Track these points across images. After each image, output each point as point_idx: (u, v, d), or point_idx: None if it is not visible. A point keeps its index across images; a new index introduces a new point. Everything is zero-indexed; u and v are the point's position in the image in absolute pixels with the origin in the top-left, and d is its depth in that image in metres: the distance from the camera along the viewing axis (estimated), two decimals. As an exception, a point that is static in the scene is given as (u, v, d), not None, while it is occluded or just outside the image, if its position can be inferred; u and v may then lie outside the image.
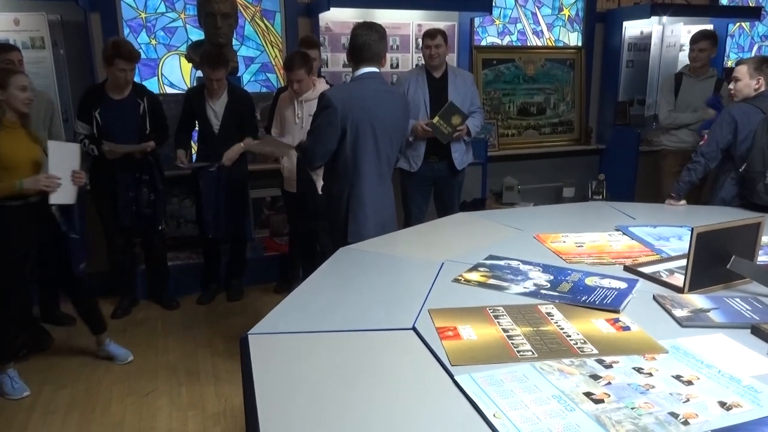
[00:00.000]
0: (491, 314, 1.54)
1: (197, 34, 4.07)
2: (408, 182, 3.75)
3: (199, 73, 3.68)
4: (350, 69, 4.37)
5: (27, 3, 3.67)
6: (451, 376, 1.25)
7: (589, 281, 1.77)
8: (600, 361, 1.29)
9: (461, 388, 1.19)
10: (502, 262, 1.95)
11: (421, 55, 4.01)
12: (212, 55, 3.51)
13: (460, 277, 1.83)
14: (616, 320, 1.51)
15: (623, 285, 1.73)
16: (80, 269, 2.90)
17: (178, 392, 2.80)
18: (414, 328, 1.48)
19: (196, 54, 3.78)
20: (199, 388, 2.83)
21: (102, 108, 3.32)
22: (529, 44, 5.12)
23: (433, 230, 2.52)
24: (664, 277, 1.81)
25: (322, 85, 3.50)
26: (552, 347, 1.35)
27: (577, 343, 1.37)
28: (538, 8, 5.11)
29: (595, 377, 1.22)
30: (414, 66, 4.44)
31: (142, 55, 4.10)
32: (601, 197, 4.88)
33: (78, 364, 3.06)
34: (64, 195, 2.72)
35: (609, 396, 1.15)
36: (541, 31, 5.17)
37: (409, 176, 3.72)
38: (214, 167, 3.55)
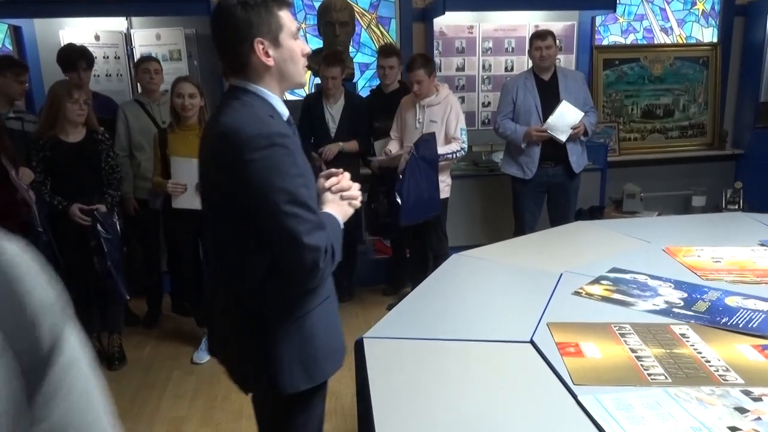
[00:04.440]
0: (617, 332, 1.44)
1: (317, 43, 4.23)
2: (521, 189, 3.64)
3: (318, 80, 3.82)
4: (454, 72, 4.30)
5: (167, 19, 4.02)
6: (574, 395, 1.18)
7: (731, 301, 1.60)
8: (746, 393, 1.16)
9: (585, 410, 1.12)
10: (627, 276, 1.83)
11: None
12: (327, 54, 3.64)
13: (581, 290, 1.73)
14: (765, 347, 1.35)
15: (772, 307, 1.55)
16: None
17: (291, 387, 2.92)
18: (532, 342, 1.43)
19: (315, 61, 3.92)
20: (311, 384, 2.93)
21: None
22: (656, 42, 4.78)
23: (549, 239, 2.42)
24: (823, 301, 1.60)
25: (445, 91, 3.48)
26: (688, 372, 1.24)
27: (718, 370, 1.24)
28: (668, 3, 4.75)
29: (741, 410, 1.10)
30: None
31: (265, 64, 4.35)
32: (737, 207, 4.44)
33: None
34: (189, 201, 2.95)
35: (759, 433, 1.03)
36: (671, 27, 4.81)
37: (522, 183, 3.61)
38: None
